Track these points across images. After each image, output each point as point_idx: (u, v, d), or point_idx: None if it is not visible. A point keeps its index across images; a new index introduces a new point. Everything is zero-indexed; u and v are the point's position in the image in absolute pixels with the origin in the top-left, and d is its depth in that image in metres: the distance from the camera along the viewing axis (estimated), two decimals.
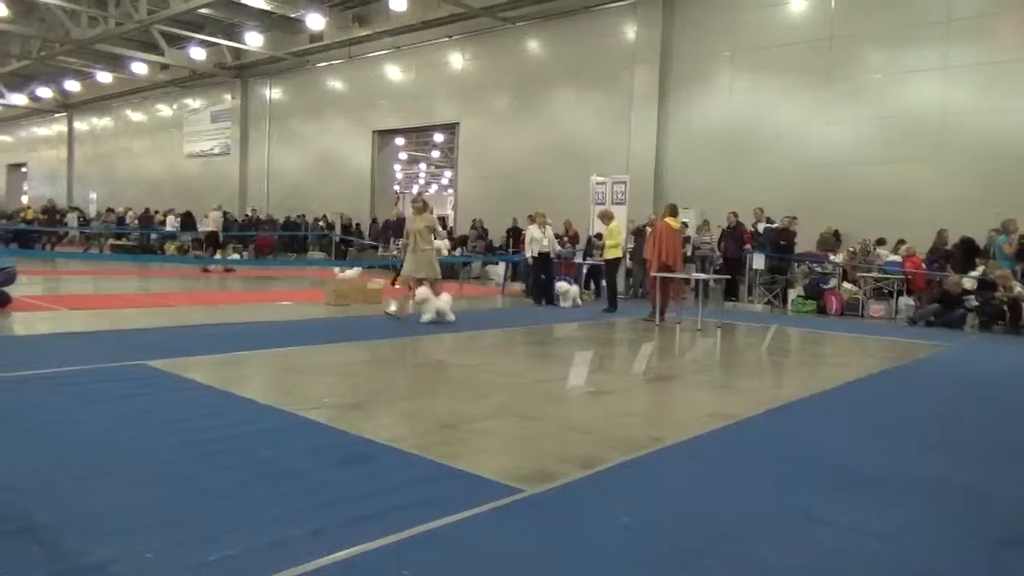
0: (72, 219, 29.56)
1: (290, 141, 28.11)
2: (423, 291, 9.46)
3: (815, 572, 2.72)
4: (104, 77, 31.46)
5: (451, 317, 9.61)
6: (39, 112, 39.28)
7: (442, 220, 25.01)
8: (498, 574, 2.58)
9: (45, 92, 35.54)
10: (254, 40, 24.69)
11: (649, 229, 13.23)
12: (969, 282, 12.32)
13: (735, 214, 15.36)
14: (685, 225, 13.45)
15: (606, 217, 12.84)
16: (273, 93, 28.74)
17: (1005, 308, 11.72)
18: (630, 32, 18.31)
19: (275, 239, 25.52)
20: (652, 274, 11.29)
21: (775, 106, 16.17)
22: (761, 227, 15.25)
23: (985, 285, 12.18)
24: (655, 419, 5.24)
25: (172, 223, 25.90)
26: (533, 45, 20.67)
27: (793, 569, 2.73)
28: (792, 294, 14.43)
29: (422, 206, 10.36)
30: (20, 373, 5.43)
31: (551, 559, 2.71)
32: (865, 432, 4.98)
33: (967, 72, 13.92)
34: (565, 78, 19.77)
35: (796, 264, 14.94)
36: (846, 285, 14.05)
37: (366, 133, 25.22)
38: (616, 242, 12.63)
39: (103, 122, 37.27)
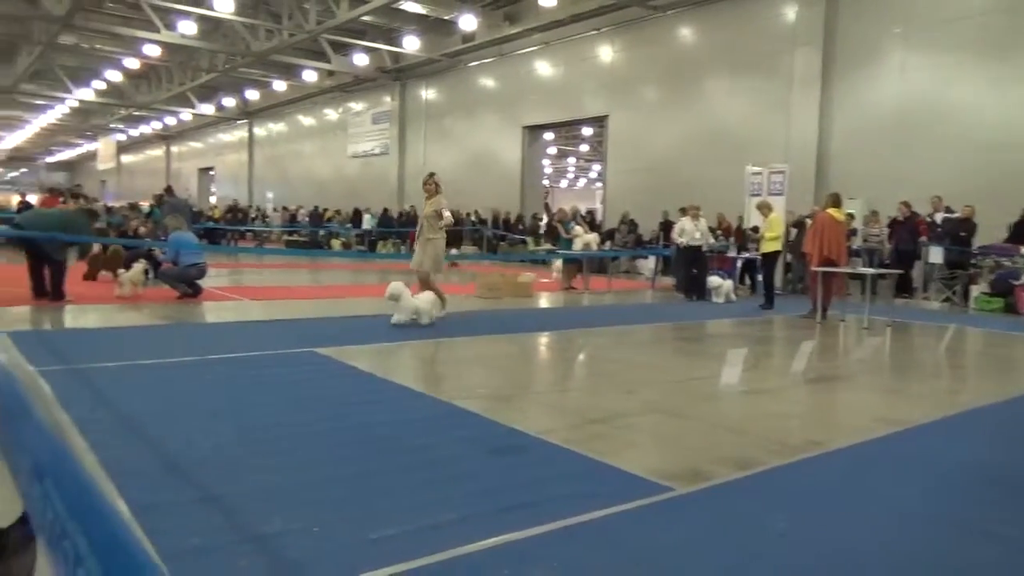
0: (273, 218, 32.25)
1: (444, 139, 29.10)
2: (397, 287, 7.96)
3: None
4: (279, 85, 34.03)
5: (426, 320, 8.15)
6: (224, 120, 43.09)
7: (590, 213, 25.00)
8: (646, 572, 2.55)
9: (229, 101, 38.95)
10: (411, 44, 25.77)
11: (810, 221, 12.50)
12: None
13: (907, 204, 14.17)
14: (851, 217, 12.58)
15: (765, 208, 12.26)
16: (428, 94, 29.84)
17: None
18: (790, 13, 17.36)
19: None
20: (812, 268, 10.68)
21: (952, 85, 14.73)
22: (939, 217, 13.96)
23: None
24: (815, 422, 4.96)
25: (368, 221, 27.52)
26: (685, 33, 20.10)
27: None
28: (975, 291, 13.12)
29: (433, 188, 8.75)
30: (207, 357, 6.00)
31: (700, 560, 2.64)
32: None
33: None
34: (718, 65, 19.07)
35: (980, 257, 13.57)
36: None
37: (516, 129, 25.61)
38: (776, 234, 12.03)
39: (278, 127, 40.33)
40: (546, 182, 40.94)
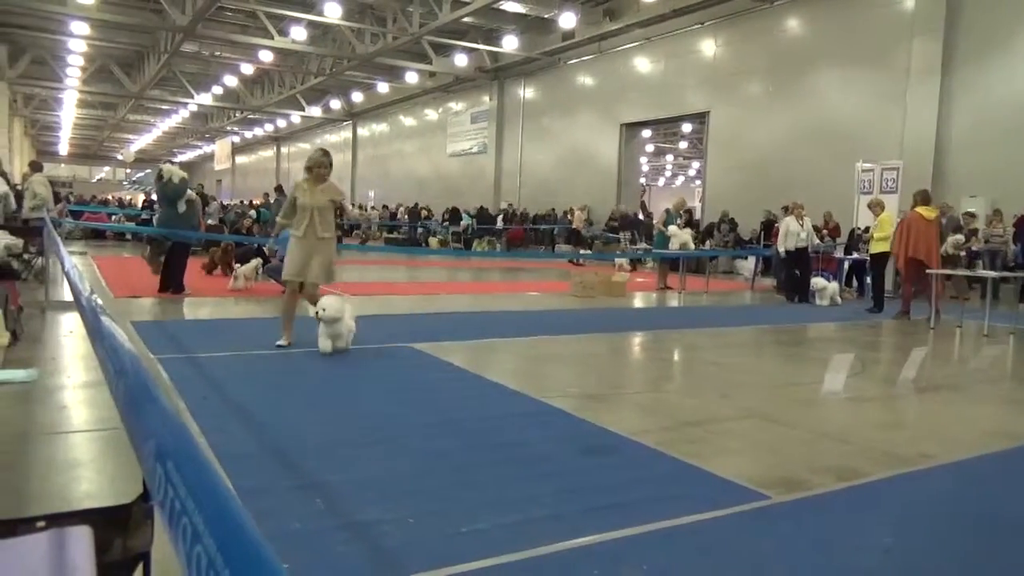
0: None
1: (541, 138, 29.18)
2: (337, 307, 5.90)
3: None
4: (382, 87, 35.05)
5: (343, 344, 6.13)
6: (331, 121, 44.76)
7: (689, 212, 24.52)
8: None
9: (335, 104, 40.42)
10: (510, 43, 25.99)
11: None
12: None
13: None
14: (943, 213, 11.89)
15: (877, 206, 11.70)
16: (527, 93, 30.00)
17: None
18: (908, 1, 16.43)
19: (525, 232, 26.68)
20: (899, 267, 10.26)
21: None
22: None
23: None
24: (925, 432, 4.70)
25: (465, 219, 28.04)
26: (792, 24, 19.36)
27: None
28: None
29: (326, 171, 6.34)
30: (310, 349, 6.27)
31: (797, 573, 2.56)
32: None
33: None
34: (827, 57, 18.27)
35: None
36: None
37: (614, 127, 25.39)
38: (885, 234, 11.43)
39: (380, 128, 41.54)
40: (643, 180, 40.39)
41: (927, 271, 10.24)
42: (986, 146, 14.96)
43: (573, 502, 3.08)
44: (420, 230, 29.28)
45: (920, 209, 10.40)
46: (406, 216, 30.94)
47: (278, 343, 6.21)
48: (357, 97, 38.44)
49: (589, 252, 20.32)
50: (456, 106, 34.12)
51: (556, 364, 6.48)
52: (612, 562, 2.56)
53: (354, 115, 42.19)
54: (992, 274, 10.60)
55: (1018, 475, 3.79)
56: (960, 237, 12.85)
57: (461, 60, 28.44)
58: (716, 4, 20.20)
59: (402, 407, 4.58)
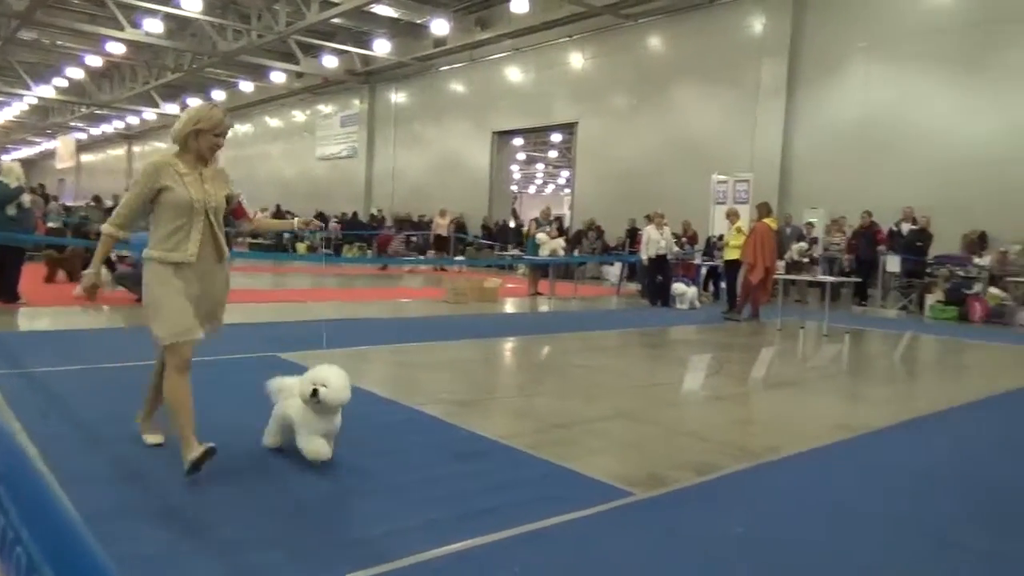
0: None
1: (413, 143, 29.02)
2: (332, 376, 3.68)
3: None
4: (246, 86, 33.62)
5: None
6: None
7: (559, 220, 25.13)
8: None
9: (194, 102, 38.32)
10: (382, 47, 25.68)
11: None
12: None
13: (869, 213, 14.51)
14: (787, 223, 13.06)
15: (733, 215, 12.51)
16: (398, 97, 29.74)
17: None
18: (757, 24, 17.67)
19: (395, 238, 26.40)
20: (752, 277, 11.12)
21: (915, 99, 15.13)
22: (906, 228, 14.26)
23: None
24: (775, 427, 5.05)
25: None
26: (655, 41, 20.34)
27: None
28: (930, 299, 13.47)
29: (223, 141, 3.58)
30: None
31: (660, 564, 2.68)
32: (1010, 452, 4.60)
33: None
34: (687, 74, 19.33)
35: (936, 267, 13.94)
36: (993, 291, 12.96)
37: (486, 134, 25.66)
38: (739, 243, 12.25)
39: (244, 128, 39.85)
40: (514, 188, 41.02)
41: (772, 277, 11.12)
42: (825, 162, 16.33)
43: (445, 509, 3.07)
44: (287, 235, 28.31)
45: (766, 220, 11.29)
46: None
47: (150, 442, 3.76)
48: (218, 95, 36.64)
49: (450, 258, 20.31)
50: (325, 108, 33.31)
51: (428, 371, 6.45)
52: (484, 567, 2.58)
53: None
54: (831, 279, 11.57)
55: (857, 464, 4.15)
56: (804, 244, 13.92)
57: (330, 62, 27.79)
58: (583, 19, 20.87)
59: (266, 420, 4.40)
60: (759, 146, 17.26)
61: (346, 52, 27.41)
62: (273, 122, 37.50)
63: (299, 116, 35.46)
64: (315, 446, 3.53)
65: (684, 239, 16.34)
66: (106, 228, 3.47)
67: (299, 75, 30.66)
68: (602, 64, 21.64)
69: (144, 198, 3.40)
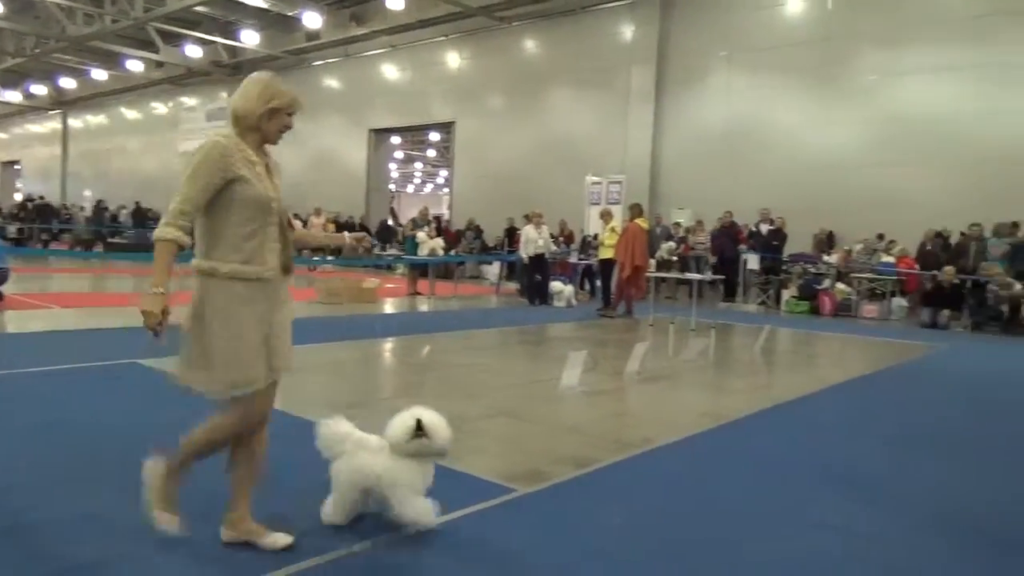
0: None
1: (286, 139, 27.51)
2: (434, 419, 3.04)
3: (806, 570, 2.73)
4: (99, 75, 31.33)
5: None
6: (34, 109, 39.12)
7: (437, 219, 25.06)
8: (491, 572, 2.59)
9: (40, 89, 35.39)
10: (250, 38, 24.64)
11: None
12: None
13: (730, 213, 15.40)
14: (657, 223, 13.71)
15: (607, 216, 12.89)
16: None
17: (1003, 308, 11.76)
18: (627, 31, 18.32)
19: None
20: (624, 275, 11.60)
21: (771, 107, 16.19)
22: (764, 228, 15.23)
23: (979, 286, 12.23)
24: (648, 419, 5.25)
25: None
26: (530, 44, 20.66)
27: (784, 567, 2.74)
28: (786, 295, 14.46)
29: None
30: (14, 371, 5.41)
31: (544, 557, 2.72)
32: (857, 433, 5.00)
33: (963, 73, 13.94)
34: (561, 77, 19.77)
35: (790, 264, 14.98)
36: (839, 286, 14.09)
37: (362, 132, 25.20)
38: (613, 242, 12.66)
39: (98, 119, 37.14)
40: (392, 186, 40.54)
41: (645, 275, 11.62)
42: (690, 164, 17.17)
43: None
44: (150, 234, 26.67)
45: (638, 220, 11.75)
46: (130, 219, 27.95)
47: (280, 545, 2.68)
48: (68, 83, 34.00)
49: (320, 259, 19.74)
50: (189, 101, 31.61)
51: (305, 375, 6.24)
52: (373, 569, 2.53)
53: (65, 104, 37.31)
54: (697, 276, 12.18)
55: (721, 451, 4.38)
56: (673, 244, 14.59)
57: (194, 51, 26.38)
58: (459, 19, 20.90)
59: (131, 429, 4.12)
60: (631, 149, 17.91)
61: (211, 42, 26.11)
62: (131, 114, 35.19)
63: (160, 108, 33.46)
64: (426, 506, 2.78)
65: (561, 238, 16.70)
66: (168, 232, 2.47)
67: (159, 64, 28.92)
68: (479, 65, 21.76)
69: (213, 190, 2.53)
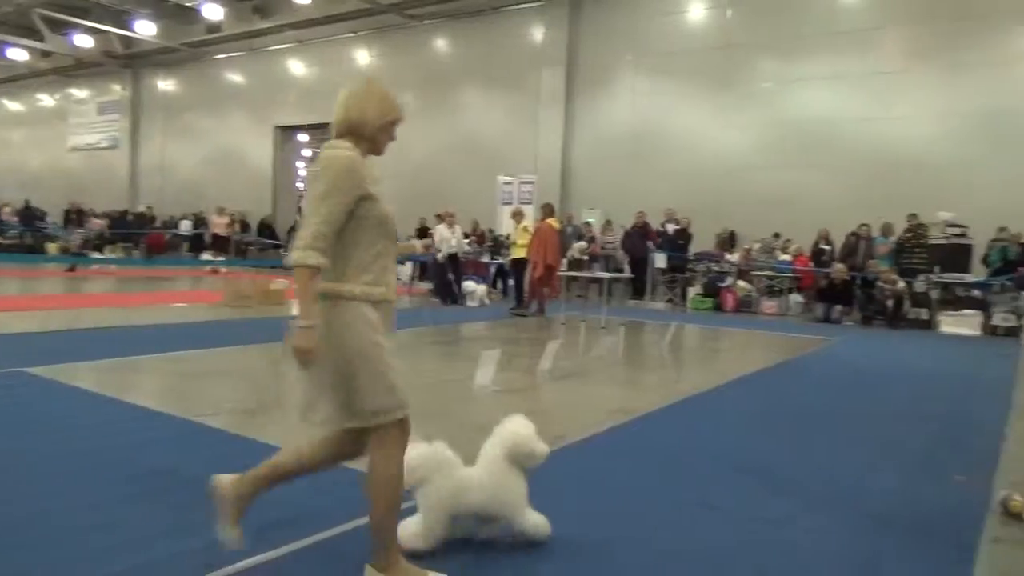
0: None
1: (186, 135, 26.95)
2: (528, 427, 2.95)
3: (712, 557, 2.84)
4: None
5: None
6: None
7: None
8: None
9: None
10: (146, 28, 23.52)
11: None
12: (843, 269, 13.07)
13: (643, 213, 15.79)
14: (568, 223, 13.94)
15: (518, 216, 12.98)
16: (167, 85, 27.46)
17: (888, 303, 12.53)
18: (537, 34, 18.52)
19: (167, 238, 24.41)
20: (535, 274, 11.76)
21: (676, 111, 16.72)
22: (671, 228, 15.71)
23: (868, 282, 13.00)
24: (560, 416, 5.32)
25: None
26: (440, 44, 20.58)
27: (691, 555, 2.83)
28: (691, 292, 14.97)
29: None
30: None
31: (448, 559, 2.71)
32: (758, 423, 5.23)
33: (851, 82, 14.81)
34: (473, 78, 19.80)
35: (695, 263, 15.52)
36: (740, 283, 14.69)
37: (267, 129, 24.49)
38: (526, 242, 12.76)
39: None
40: (300, 185, 39.57)
41: (556, 274, 11.80)
42: (599, 165, 17.53)
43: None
44: (39, 234, 25.02)
45: (549, 220, 11.92)
46: (15, 218, 26.15)
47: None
48: None
49: (224, 259, 19.12)
50: (79, 93, 29.93)
51: (209, 380, 6.02)
52: None
53: None
54: (607, 275, 12.44)
55: (633, 444, 4.49)
56: (584, 243, 14.83)
57: (83, 41, 24.96)
58: (369, 15, 20.61)
59: (16, 442, 3.86)
60: (542, 149, 18.12)
61: (103, 31, 24.78)
62: (14, 105, 33.00)
63: (47, 100, 31.53)
64: (542, 517, 2.83)
65: (473, 238, 16.72)
66: (310, 257, 2.28)
67: (46, 54, 27.23)
68: (389, 63, 21.53)
69: (348, 209, 2.37)
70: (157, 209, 26.46)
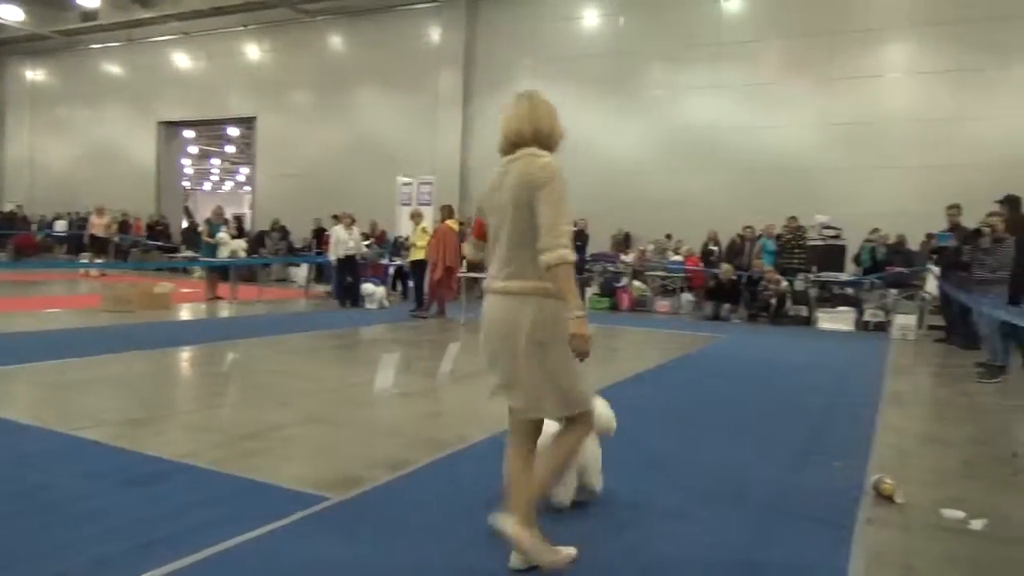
0: None
1: (58, 129, 25.23)
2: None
3: (612, 546, 2.90)
4: None
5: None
6: None
7: (238, 219, 23.75)
8: None
9: None
10: (11, 13, 21.85)
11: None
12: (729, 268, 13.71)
13: None
14: (463, 225, 13.94)
15: (417, 217, 12.87)
16: (36, 75, 25.64)
17: (772, 301, 13.21)
18: (435, 34, 18.44)
19: (38, 239, 22.78)
20: (434, 276, 11.74)
21: (572, 114, 16.92)
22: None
23: (752, 281, 13.67)
24: (463, 417, 5.32)
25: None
26: (335, 41, 20.16)
27: (589, 540, 2.89)
28: (589, 292, 15.29)
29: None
30: None
31: (359, 565, 2.67)
32: (655, 416, 5.40)
33: (733, 91, 15.56)
34: (369, 77, 19.50)
35: (592, 264, 15.87)
36: (636, 283, 15.13)
37: (150, 124, 23.27)
38: (425, 243, 12.67)
39: None
40: (187, 184, 37.85)
41: (456, 275, 11.79)
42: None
43: (115, 542, 2.72)
44: None
45: (449, 222, 11.91)
46: None
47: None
48: None
49: (103, 261, 17.99)
50: None
51: (87, 389, 5.65)
52: None
53: None
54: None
55: None
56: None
57: None
58: (258, 9, 19.95)
59: None
60: (440, 150, 18.06)
61: None
62: None
63: None
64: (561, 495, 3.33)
65: (372, 239, 16.45)
66: (571, 255, 2.59)
67: None
68: (282, 59, 20.91)
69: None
70: (27, 208, 24.66)
